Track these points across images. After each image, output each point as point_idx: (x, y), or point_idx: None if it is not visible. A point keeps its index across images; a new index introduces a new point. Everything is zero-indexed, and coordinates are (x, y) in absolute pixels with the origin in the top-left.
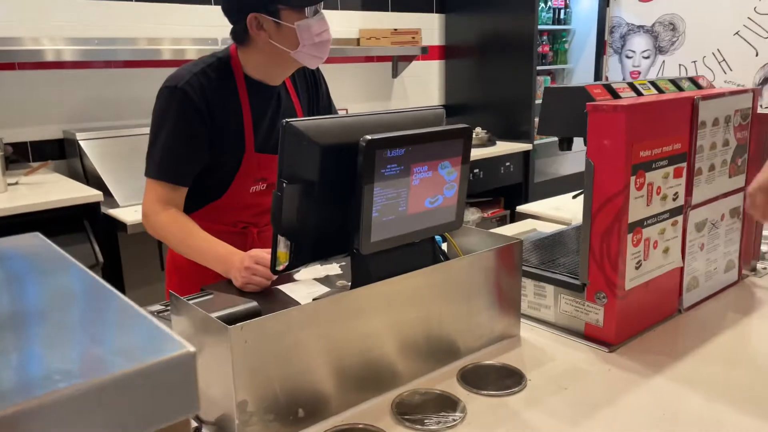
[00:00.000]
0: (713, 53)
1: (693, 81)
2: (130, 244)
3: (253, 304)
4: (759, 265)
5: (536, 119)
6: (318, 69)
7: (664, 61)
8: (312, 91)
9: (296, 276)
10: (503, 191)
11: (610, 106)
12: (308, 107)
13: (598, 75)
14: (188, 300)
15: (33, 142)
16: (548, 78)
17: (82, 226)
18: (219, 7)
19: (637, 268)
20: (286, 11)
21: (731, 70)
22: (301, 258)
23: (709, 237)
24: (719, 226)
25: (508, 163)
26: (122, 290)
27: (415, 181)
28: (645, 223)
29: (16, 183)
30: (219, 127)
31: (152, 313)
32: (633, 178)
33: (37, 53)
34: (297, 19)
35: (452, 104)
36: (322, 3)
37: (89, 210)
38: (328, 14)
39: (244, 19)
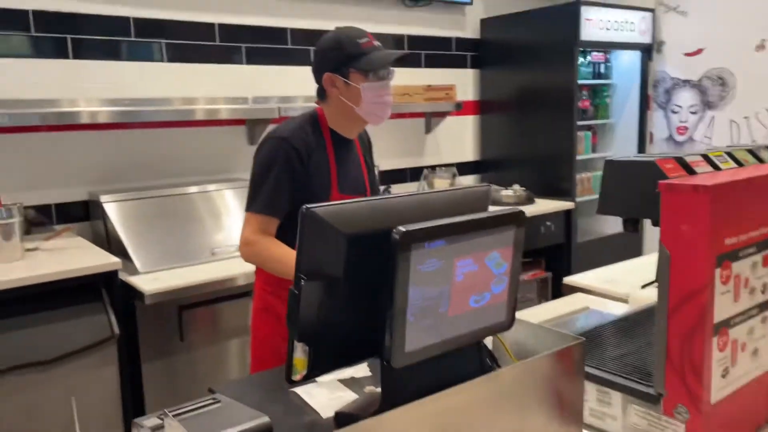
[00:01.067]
0: (767, 108)
1: None
2: (147, 314)
3: (265, 420)
4: None
5: (578, 176)
6: (370, 140)
7: (713, 117)
8: (367, 154)
9: (318, 378)
10: (544, 252)
11: (689, 185)
12: (366, 166)
13: (642, 130)
14: (190, 409)
15: (58, 204)
16: (589, 133)
17: (99, 295)
18: (250, 67)
19: (723, 376)
20: (355, 74)
21: None
22: (321, 365)
23: None
24: None
25: (548, 223)
26: (138, 363)
27: (458, 277)
28: (732, 323)
29: (36, 249)
30: (312, 171)
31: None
32: (718, 271)
33: (69, 115)
34: (363, 81)
35: (488, 159)
36: (392, 72)
37: (107, 278)
38: None
39: (322, 78)
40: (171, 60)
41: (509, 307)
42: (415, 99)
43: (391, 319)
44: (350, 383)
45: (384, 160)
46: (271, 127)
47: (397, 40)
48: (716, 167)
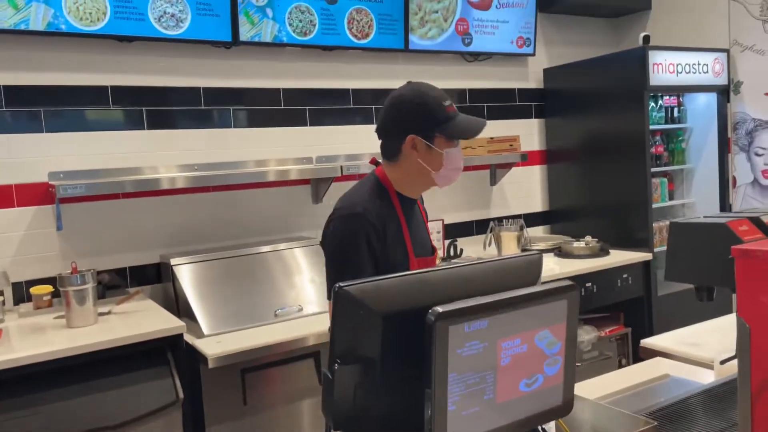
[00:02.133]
0: None
1: None
2: (211, 377)
3: None
4: None
5: (655, 224)
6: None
7: None
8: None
9: None
10: (622, 305)
11: (767, 251)
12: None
13: (723, 175)
14: None
15: (132, 268)
16: (665, 180)
17: (165, 359)
18: (313, 128)
19: None
20: (440, 138)
21: None
22: None
23: None
24: None
25: (625, 275)
26: (202, 428)
27: (504, 359)
28: None
29: (109, 312)
30: (390, 243)
31: None
32: None
33: (143, 182)
34: (447, 146)
35: (557, 210)
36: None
37: (172, 341)
38: None
39: (403, 139)
40: (237, 125)
41: (566, 389)
42: (478, 152)
43: (430, 409)
44: None
45: (449, 214)
46: (335, 186)
47: (459, 94)
48: None
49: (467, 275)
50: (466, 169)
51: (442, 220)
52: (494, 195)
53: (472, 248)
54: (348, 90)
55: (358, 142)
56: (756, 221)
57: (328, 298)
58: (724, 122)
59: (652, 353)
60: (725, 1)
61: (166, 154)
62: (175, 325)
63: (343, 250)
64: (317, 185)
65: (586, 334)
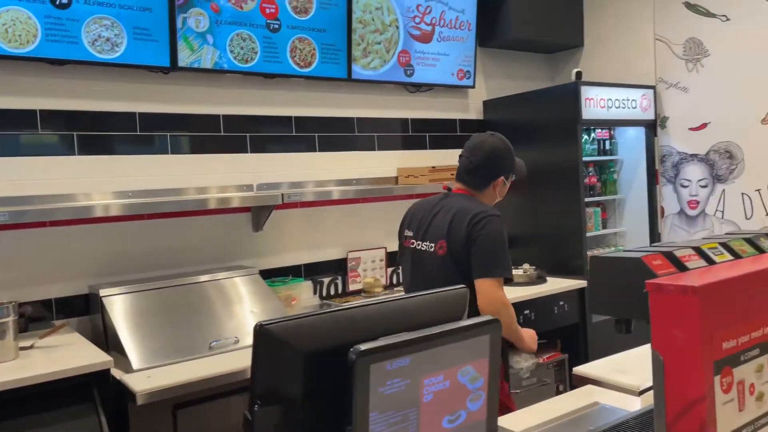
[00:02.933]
0: None
1: None
2: (141, 414)
3: None
4: None
5: (589, 253)
6: None
7: (724, 190)
8: None
9: None
10: (559, 332)
11: (678, 286)
12: None
13: (651, 205)
14: None
15: (58, 299)
16: (598, 209)
17: (90, 396)
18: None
19: None
20: (510, 178)
21: None
22: None
23: None
24: None
25: (561, 302)
26: None
27: (427, 396)
28: None
29: (31, 346)
30: None
31: None
32: (717, 378)
33: (70, 210)
34: (509, 182)
35: None
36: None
37: (99, 377)
38: (367, 155)
39: (495, 178)
40: (174, 152)
41: (489, 423)
42: (420, 180)
43: None
44: None
45: (392, 242)
46: (276, 214)
47: (402, 123)
48: (711, 261)
49: (392, 311)
50: (409, 197)
51: (385, 248)
52: None
53: None
54: (291, 117)
55: (301, 170)
56: (669, 256)
57: (490, 275)
58: (652, 155)
59: (584, 381)
60: (651, 41)
61: (100, 180)
62: (102, 360)
63: (502, 240)
64: (258, 213)
65: (525, 362)
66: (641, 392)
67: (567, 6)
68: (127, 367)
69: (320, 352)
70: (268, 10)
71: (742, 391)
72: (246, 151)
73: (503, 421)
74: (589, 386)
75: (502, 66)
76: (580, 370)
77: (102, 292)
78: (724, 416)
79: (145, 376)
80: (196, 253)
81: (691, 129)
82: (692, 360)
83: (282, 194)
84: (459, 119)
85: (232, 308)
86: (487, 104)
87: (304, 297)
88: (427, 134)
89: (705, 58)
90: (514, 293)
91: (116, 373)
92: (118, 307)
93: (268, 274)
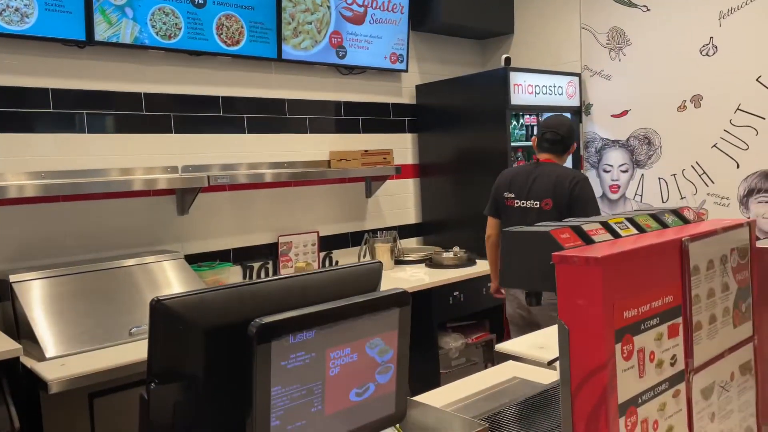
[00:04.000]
0: (692, 166)
1: (678, 214)
2: (54, 404)
3: None
4: None
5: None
6: None
7: (643, 175)
8: None
9: None
10: (487, 313)
11: (582, 257)
12: None
13: None
14: None
15: None
16: None
17: None
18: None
19: None
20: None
21: (713, 182)
22: None
23: (720, 403)
24: (730, 387)
25: (490, 284)
26: None
27: (333, 370)
28: (640, 400)
29: None
30: None
31: None
32: (618, 346)
33: None
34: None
35: (429, 222)
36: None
37: (8, 365)
38: (298, 138)
39: (570, 146)
40: (92, 131)
41: (399, 396)
42: (352, 164)
43: (253, 426)
44: None
45: (325, 226)
46: (202, 198)
47: (335, 106)
48: (616, 235)
49: (299, 286)
50: (342, 181)
51: (317, 233)
52: (369, 207)
53: (348, 260)
54: (218, 97)
55: (229, 152)
56: (577, 230)
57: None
58: (577, 141)
59: (506, 357)
60: (578, 30)
61: (12, 159)
62: (9, 348)
63: (595, 196)
64: (183, 196)
65: (454, 342)
66: (550, 363)
67: None
68: (40, 356)
69: (222, 328)
70: None
71: (642, 359)
72: (170, 132)
73: (424, 397)
74: (510, 362)
75: (435, 50)
76: (502, 346)
77: (12, 278)
78: (625, 382)
79: (59, 364)
80: (117, 238)
81: (613, 116)
82: (595, 329)
83: (208, 176)
84: (392, 103)
85: (154, 293)
86: (419, 88)
87: (232, 282)
88: (360, 118)
89: (627, 47)
90: (445, 275)
91: (27, 362)
92: (31, 294)
93: (194, 259)
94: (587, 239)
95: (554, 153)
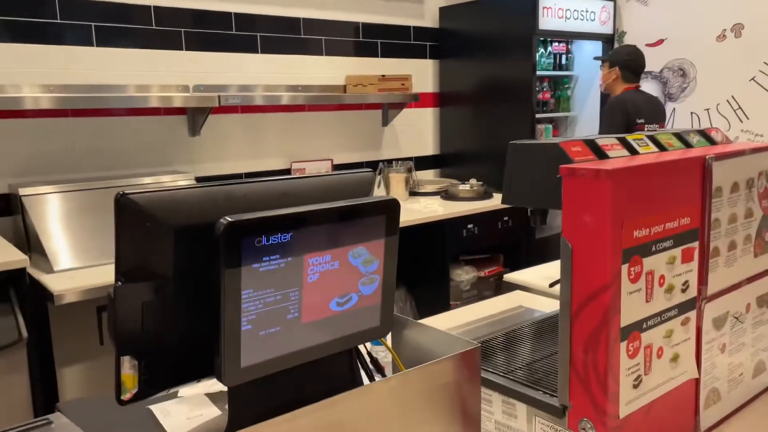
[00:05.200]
0: (728, 100)
1: (704, 134)
2: (62, 315)
3: None
4: None
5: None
6: None
7: (674, 109)
8: None
9: (181, 390)
10: (502, 248)
11: (591, 170)
12: None
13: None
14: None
15: None
16: (550, 126)
17: (6, 296)
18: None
19: (635, 386)
20: None
21: (748, 118)
22: (156, 383)
23: (732, 335)
24: (744, 319)
25: (506, 218)
26: (52, 368)
27: (311, 276)
28: (644, 326)
29: None
30: None
31: None
32: (625, 267)
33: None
34: None
35: (447, 153)
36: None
37: (15, 276)
38: (313, 60)
39: None
40: (100, 44)
41: (385, 309)
42: (368, 89)
43: (222, 330)
44: (219, 397)
45: (339, 154)
46: (215, 117)
47: (353, 28)
48: (634, 151)
49: (282, 190)
50: (358, 107)
51: (331, 160)
52: (386, 136)
53: None
54: (230, 14)
55: (242, 72)
56: (590, 144)
57: None
58: None
59: (513, 287)
60: None
61: (16, 72)
62: (16, 258)
63: None
64: (194, 116)
65: (466, 274)
66: (551, 285)
67: None
68: (49, 269)
69: (193, 227)
70: None
71: (650, 282)
72: (181, 49)
73: (430, 321)
74: (517, 291)
75: None
76: (510, 276)
77: (22, 192)
78: (630, 305)
79: (68, 277)
80: (126, 156)
81: (648, 45)
82: (600, 247)
83: (219, 96)
84: (413, 26)
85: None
86: (443, 11)
87: None
88: (379, 41)
89: None
90: (460, 207)
91: (34, 273)
92: (41, 208)
93: (205, 181)
94: (601, 154)
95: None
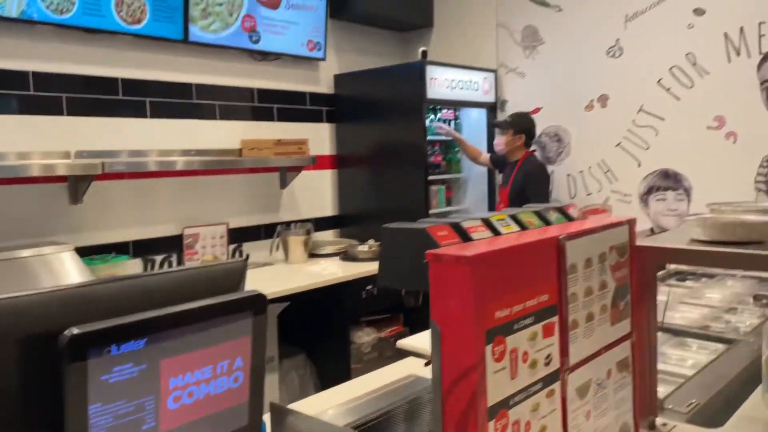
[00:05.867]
0: (598, 164)
1: (562, 211)
2: None
3: None
4: (658, 421)
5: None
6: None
7: (553, 171)
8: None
9: None
10: (401, 307)
11: (453, 256)
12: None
13: (491, 184)
14: None
15: None
16: (443, 187)
17: None
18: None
19: None
20: None
21: (617, 179)
22: None
23: (596, 401)
24: (606, 385)
25: None
26: None
27: (170, 382)
28: (511, 402)
29: None
30: None
31: None
32: (489, 347)
33: None
34: None
35: (346, 214)
36: (495, 128)
37: None
38: (207, 124)
39: None
40: None
41: (253, 407)
42: (264, 153)
43: None
44: None
45: (235, 218)
46: (100, 184)
47: (248, 93)
48: (497, 232)
49: (142, 288)
50: (254, 170)
51: (227, 224)
52: (284, 198)
53: (259, 253)
54: (117, 79)
55: (130, 138)
56: (456, 227)
57: None
58: (493, 136)
59: (407, 353)
60: (494, 27)
61: None
62: None
63: None
64: (76, 184)
65: (366, 336)
66: (426, 364)
67: None
68: None
69: (39, 337)
70: None
71: (514, 359)
72: (62, 114)
73: (326, 395)
74: (411, 358)
75: (354, 40)
76: (402, 342)
77: None
78: (496, 384)
79: None
80: (2, 227)
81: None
82: (466, 329)
83: (103, 163)
84: (309, 92)
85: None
86: (338, 78)
87: None
88: (275, 106)
89: (540, 45)
90: (359, 268)
91: None
92: None
93: (88, 252)
94: (465, 237)
95: None
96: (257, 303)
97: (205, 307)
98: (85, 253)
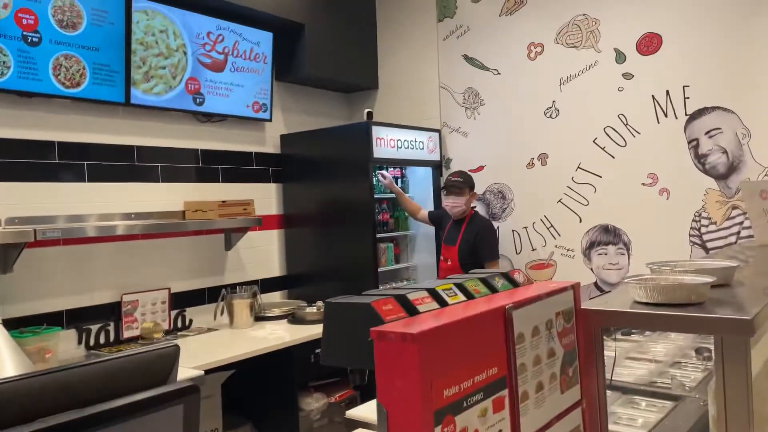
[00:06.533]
0: (541, 219)
1: (508, 277)
2: None
3: None
4: None
5: (381, 287)
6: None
7: (498, 227)
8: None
9: None
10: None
11: (398, 333)
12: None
13: (438, 240)
14: None
15: None
16: (391, 245)
17: None
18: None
19: None
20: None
21: (560, 235)
22: None
23: None
24: None
25: None
26: None
27: None
28: None
29: None
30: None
31: None
32: (438, 428)
33: None
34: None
35: (294, 275)
36: (451, 189)
37: None
38: (149, 186)
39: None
40: None
41: None
42: (209, 215)
43: None
44: None
45: (177, 282)
46: (32, 251)
47: (192, 154)
48: (443, 303)
49: (62, 384)
50: (198, 233)
51: (169, 289)
52: (229, 260)
53: (203, 318)
54: (53, 142)
55: (66, 202)
56: (401, 300)
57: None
58: (438, 193)
59: (356, 424)
60: (437, 88)
61: None
62: None
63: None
64: (6, 252)
65: (316, 402)
66: None
67: (362, 49)
68: None
69: None
70: (25, 21)
71: None
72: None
73: None
74: (360, 430)
75: (300, 101)
76: (352, 413)
77: None
78: None
79: None
80: None
81: (471, 171)
82: (413, 411)
83: (35, 230)
84: (255, 152)
85: None
86: (284, 138)
87: (64, 348)
88: (220, 167)
89: (481, 106)
90: (307, 331)
91: None
92: None
93: (17, 324)
94: (412, 310)
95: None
96: (189, 394)
97: (134, 403)
98: (13, 325)
